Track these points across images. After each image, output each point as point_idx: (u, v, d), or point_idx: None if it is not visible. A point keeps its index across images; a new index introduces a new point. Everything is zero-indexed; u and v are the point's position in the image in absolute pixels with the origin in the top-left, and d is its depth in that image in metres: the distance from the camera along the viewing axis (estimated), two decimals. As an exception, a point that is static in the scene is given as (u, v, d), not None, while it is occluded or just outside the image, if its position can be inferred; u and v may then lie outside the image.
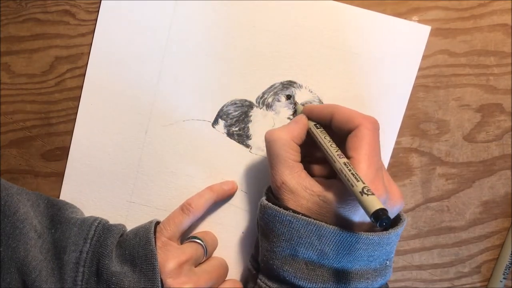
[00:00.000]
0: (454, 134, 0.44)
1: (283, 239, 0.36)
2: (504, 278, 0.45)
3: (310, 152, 0.41)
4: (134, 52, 0.44)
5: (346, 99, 0.43)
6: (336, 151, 0.36)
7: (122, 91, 0.44)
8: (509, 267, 0.45)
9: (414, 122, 0.44)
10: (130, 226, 0.43)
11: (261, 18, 0.43)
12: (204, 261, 0.42)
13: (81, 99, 0.45)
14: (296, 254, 0.36)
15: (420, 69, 0.43)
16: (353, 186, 0.32)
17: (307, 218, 0.35)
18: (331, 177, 0.38)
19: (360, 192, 0.32)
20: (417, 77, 0.43)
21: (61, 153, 0.45)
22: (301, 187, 0.36)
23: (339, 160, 0.35)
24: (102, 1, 0.44)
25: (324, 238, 0.34)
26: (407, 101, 0.44)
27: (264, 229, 0.38)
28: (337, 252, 0.35)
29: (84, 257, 0.39)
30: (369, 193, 0.31)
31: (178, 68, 0.44)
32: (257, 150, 0.44)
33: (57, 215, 0.41)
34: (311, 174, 0.40)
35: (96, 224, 0.40)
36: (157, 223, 0.42)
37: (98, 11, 0.44)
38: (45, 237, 0.40)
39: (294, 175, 0.37)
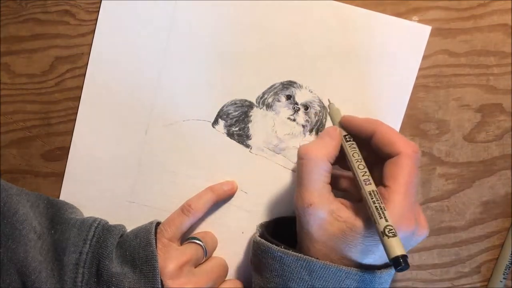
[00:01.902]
0: (454, 134, 0.44)
1: (276, 275, 0.36)
2: (504, 278, 0.45)
3: (339, 162, 0.38)
4: (134, 52, 0.44)
5: (346, 99, 0.43)
6: (363, 175, 0.34)
7: (122, 91, 0.44)
8: (509, 267, 0.45)
9: (414, 122, 0.44)
10: (130, 226, 0.43)
11: (261, 18, 0.43)
12: (204, 262, 0.42)
13: (81, 99, 0.45)
14: None
15: (420, 69, 0.43)
16: (375, 223, 0.31)
17: (297, 254, 0.35)
18: (359, 193, 0.36)
19: (381, 232, 0.30)
20: (417, 77, 0.43)
21: (61, 153, 0.45)
22: (328, 211, 0.35)
23: (365, 187, 0.33)
24: (102, 1, 0.44)
25: (314, 273, 0.34)
26: (407, 101, 0.43)
27: (258, 266, 0.38)
28: (326, 287, 0.34)
29: (84, 258, 0.39)
30: (390, 234, 0.30)
31: (178, 68, 0.44)
32: (257, 150, 0.44)
33: (57, 215, 0.41)
34: (338, 187, 0.39)
35: (95, 225, 0.40)
36: (157, 224, 0.42)
37: (98, 11, 0.44)
38: (45, 238, 0.40)
39: (322, 197, 0.35)
